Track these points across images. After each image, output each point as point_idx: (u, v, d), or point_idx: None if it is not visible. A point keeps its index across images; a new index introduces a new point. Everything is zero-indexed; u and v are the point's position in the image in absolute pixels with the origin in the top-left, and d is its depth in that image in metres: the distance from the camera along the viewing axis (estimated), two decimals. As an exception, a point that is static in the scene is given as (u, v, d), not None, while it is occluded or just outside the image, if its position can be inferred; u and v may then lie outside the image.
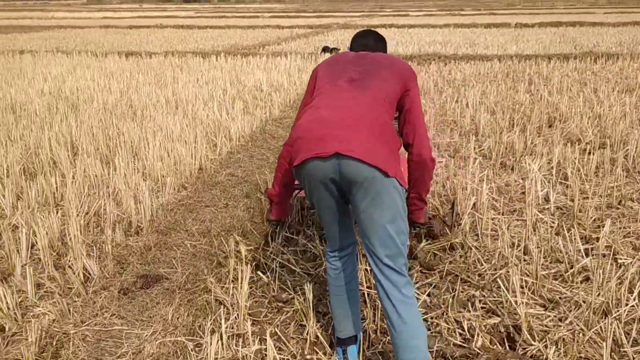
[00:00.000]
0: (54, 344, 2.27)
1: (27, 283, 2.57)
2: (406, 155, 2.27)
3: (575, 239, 3.08)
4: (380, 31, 20.11)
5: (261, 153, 4.92)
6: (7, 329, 2.37)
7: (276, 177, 2.39)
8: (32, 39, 17.82)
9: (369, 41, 2.42)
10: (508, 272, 2.82)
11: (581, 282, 2.76)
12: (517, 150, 4.84)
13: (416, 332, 1.87)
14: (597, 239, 3.19)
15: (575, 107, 6.51)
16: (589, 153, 4.94)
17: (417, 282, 2.80)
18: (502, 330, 2.43)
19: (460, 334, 2.39)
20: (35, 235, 3.00)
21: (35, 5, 64.87)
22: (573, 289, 2.69)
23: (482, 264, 2.94)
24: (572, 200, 3.77)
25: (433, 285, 2.77)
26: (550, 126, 5.94)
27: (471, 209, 3.40)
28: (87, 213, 3.48)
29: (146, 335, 2.33)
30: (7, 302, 2.38)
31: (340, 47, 13.62)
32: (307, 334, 2.35)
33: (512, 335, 2.40)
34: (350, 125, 1.89)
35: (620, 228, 3.33)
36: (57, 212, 3.52)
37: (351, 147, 1.84)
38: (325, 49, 12.79)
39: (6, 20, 30.99)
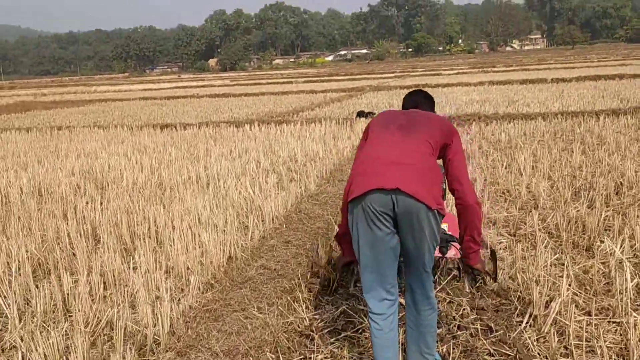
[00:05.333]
0: None
1: None
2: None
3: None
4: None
5: (297, 237, 4.43)
6: None
7: (343, 218, 2.62)
8: (72, 113, 18.25)
9: (419, 97, 2.82)
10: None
11: None
12: (588, 227, 4.22)
13: (434, 314, 2.34)
14: None
15: (642, 170, 5.87)
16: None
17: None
18: None
19: None
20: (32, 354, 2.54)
21: (79, 81, 68.11)
22: None
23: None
24: (673, 294, 3.12)
25: None
26: (617, 193, 5.30)
27: (554, 313, 2.80)
28: (98, 323, 3.02)
29: None
30: None
31: (375, 111, 13.32)
32: None
33: None
34: (404, 164, 2.24)
35: None
36: (65, 321, 3.08)
37: (407, 185, 2.16)
38: (360, 114, 12.50)
39: (51, 96, 32.28)
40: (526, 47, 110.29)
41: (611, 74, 21.16)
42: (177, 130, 11.92)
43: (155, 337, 2.86)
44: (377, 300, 2.30)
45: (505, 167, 6.52)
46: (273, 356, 2.62)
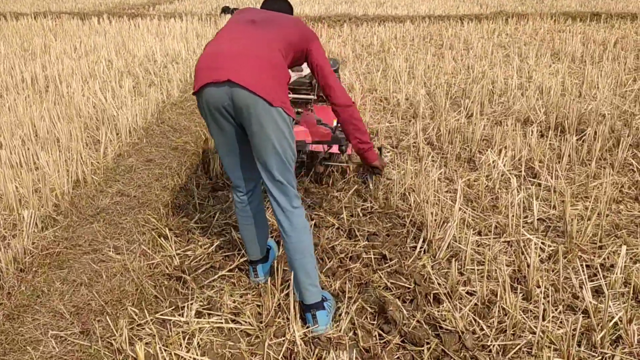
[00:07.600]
0: None
1: None
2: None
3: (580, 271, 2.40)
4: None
5: (161, 155, 3.80)
6: None
7: None
8: None
9: (280, 5, 2.52)
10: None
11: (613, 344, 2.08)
12: (469, 137, 4.13)
13: (304, 236, 2.11)
14: (605, 266, 2.54)
15: (509, 77, 5.95)
16: (542, 136, 4.36)
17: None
18: None
19: None
20: None
21: None
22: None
23: (481, 327, 2.16)
24: (555, 208, 3.11)
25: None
26: (489, 101, 5.31)
27: (450, 237, 2.62)
28: None
29: None
30: None
31: (241, 7, 12.33)
32: None
33: None
34: (243, 56, 2.05)
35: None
36: None
37: (241, 76, 1.99)
38: (225, 10, 11.47)
39: None
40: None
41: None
42: (7, 21, 10.05)
43: (-23, 294, 2.22)
44: (238, 179, 2.27)
45: (381, 73, 6.27)
46: (136, 310, 2.14)
